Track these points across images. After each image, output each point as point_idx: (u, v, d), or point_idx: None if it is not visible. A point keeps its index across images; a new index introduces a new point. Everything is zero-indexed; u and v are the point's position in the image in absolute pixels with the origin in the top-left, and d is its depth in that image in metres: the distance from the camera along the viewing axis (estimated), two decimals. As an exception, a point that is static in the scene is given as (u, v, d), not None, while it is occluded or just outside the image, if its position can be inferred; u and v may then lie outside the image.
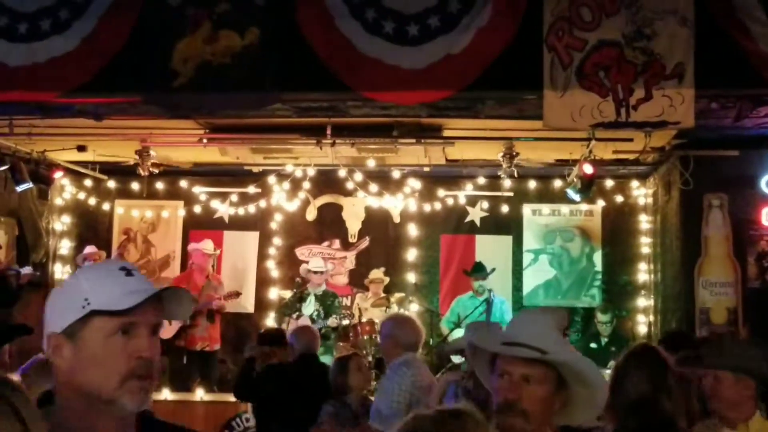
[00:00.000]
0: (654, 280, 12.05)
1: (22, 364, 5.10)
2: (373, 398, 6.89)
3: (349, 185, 11.76)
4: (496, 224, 12.69)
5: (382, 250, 12.90)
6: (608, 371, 7.04)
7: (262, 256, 12.91)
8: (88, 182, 12.78)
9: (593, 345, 10.82)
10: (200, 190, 12.60)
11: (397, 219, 12.79)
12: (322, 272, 11.52)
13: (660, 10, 7.17)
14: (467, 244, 12.72)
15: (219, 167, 12.33)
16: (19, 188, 10.60)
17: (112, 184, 12.83)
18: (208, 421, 9.42)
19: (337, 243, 12.97)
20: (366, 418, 6.50)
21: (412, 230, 12.67)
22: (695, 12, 7.15)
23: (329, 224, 13.01)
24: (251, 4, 7.45)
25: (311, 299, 11.27)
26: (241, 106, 8.32)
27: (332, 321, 11.06)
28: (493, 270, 11.39)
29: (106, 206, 12.98)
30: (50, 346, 2.15)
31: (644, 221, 12.39)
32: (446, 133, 10.13)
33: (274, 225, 12.78)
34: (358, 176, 11.47)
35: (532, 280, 12.65)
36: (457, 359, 8.77)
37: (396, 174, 11.86)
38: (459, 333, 10.35)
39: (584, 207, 12.39)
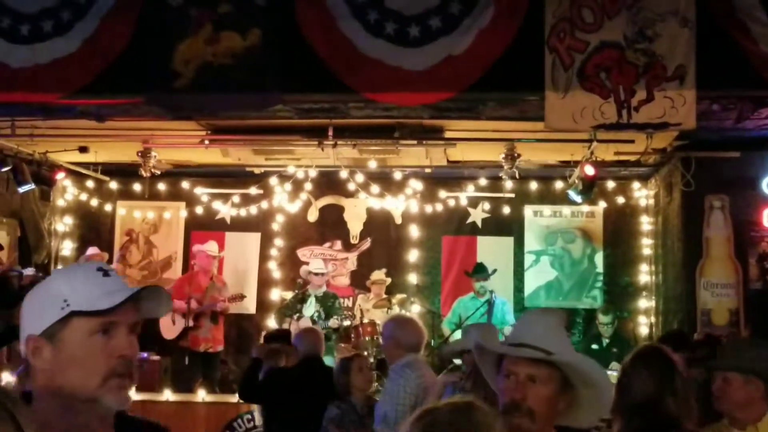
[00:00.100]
0: (655, 282, 12.06)
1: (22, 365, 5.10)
2: (377, 398, 6.88)
3: (351, 186, 11.77)
4: (497, 225, 12.70)
5: (384, 251, 12.91)
6: (610, 372, 7.06)
7: (263, 257, 12.92)
8: (90, 183, 12.80)
9: (594, 346, 10.82)
10: (202, 192, 12.61)
11: (398, 220, 12.80)
12: (322, 274, 11.53)
13: (661, 11, 7.17)
14: (469, 245, 12.73)
15: (221, 168, 12.35)
16: (21, 189, 10.62)
17: (114, 185, 12.86)
18: (210, 421, 9.43)
19: (338, 244, 12.98)
20: (371, 419, 6.49)
21: (414, 231, 12.68)
22: (696, 13, 7.14)
23: (331, 225, 13.02)
24: (253, 5, 7.45)
25: (312, 300, 11.27)
26: (242, 107, 8.33)
27: (333, 322, 11.07)
28: (495, 271, 11.40)
29: (108, 207, 13.00)
30: (29, 349, 2.16)
31: (645, 222, 12.40)
32: (448, 134, 10.15)
33: (275, 226, 12.79)
34: (360, 177, 11.48)
35: (533, 281, 12.66)
36: (457, 361, 8.78)
37: (397, 175, 11.87)
38: (460, 334, 10.35)
39: (585, 208, 12.39)
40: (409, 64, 7.28)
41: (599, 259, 12.60)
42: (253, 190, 12.24)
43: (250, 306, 12.60)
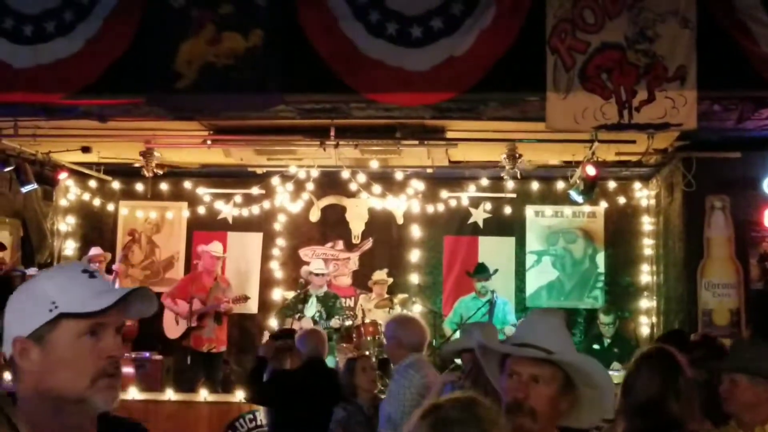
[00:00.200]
0: (656, 282, 12.07)
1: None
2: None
3: (353, 186, 11.78)
4: (498, 225, 12.71)
5: (386, 251, 12.92)
6: (612, 372, 7.07)
7: (265, 257, 12.94)
8: (92, 183, 12.81)
9: (596, 346, 10.83)
10: (204, 192, 12.63)
11: (400, 220, 12.82)
12: (323, 274, 11.54)
13: (662, 12, 7.17)
14: (470, 245, 12.74)
15: (223, 168, 12.37)
16: (24, 189, 10.64)
17: (116, 185, 12.89)
18: (212, 421, 9.43)
19: (340, 244, 13.00)
20: (378, 420, 6.48)
21: (416, 231, 12.70)
22: (697, 14, 7.15)
23: (333, 225, 13.04)
24: (255, 6, 7.46)
25: (313, 301, 11.28)
26: (244, 108, 8.33)
27: (335, 322, 11.08)
28: (496, 271, 11.41)
29: (110, 207, 13.03)
30: (16, 350, 2.16)
31: (647, 223, 12.42)
32: (449, 134, 10.15)
33: (277, 226, 12.82)
34: (362, 177, 11.49)
35: (534, 281, 12.67)
36: (458, 361, 8.79)
37: (399, 175, 11.88)
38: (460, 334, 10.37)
39: (587, 208, 12.40)
40: (411, 64, 7.29)
41: (600, 259, 12.61)
42: (255, 190, 12.26)
43: (252, 306, 12.59)
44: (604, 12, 7.24)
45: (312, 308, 11.21)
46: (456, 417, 2.40)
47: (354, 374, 6.84)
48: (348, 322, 11.20)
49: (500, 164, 10.43)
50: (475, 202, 12.62)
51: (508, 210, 12.50)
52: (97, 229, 13.25)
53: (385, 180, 11.89)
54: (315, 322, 10.80)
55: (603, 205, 12.46)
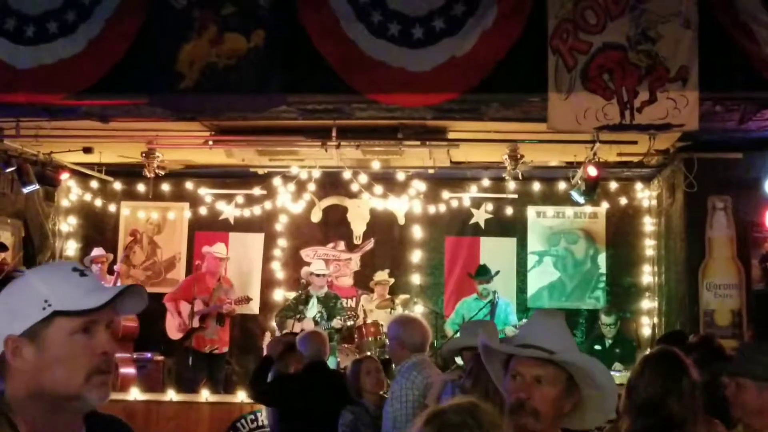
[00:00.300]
0: (658, 282, 12.06)
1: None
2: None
3: (354, 187, 11.78)
4: (500, 226, 12.71)
5: (387, 251, 12.92)
6: (614, 373, 7.07)
7: (267, 258, 12.94)
8: (94, 184, 12.81)
9: (597, 347, 10.84)
10: (206, 192, 12.64)
11: (401, 221, 12.82)
12: (323, 275, 11.54)
13: (664, 13, 7.17)
14: (472, 245, 12.74)
15: (224, 169, 12.37)
16: (26, 190, 10.63)
17: (118, 185, 12.88)
18: (213, 422, 9.43)
19: (342, 245, 13.00)
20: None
21: (417, 232, 12.70)
22: (699, 14, 7.15)
23: (334, 226, 13.04)
24: (257, 7, 7.47)
25: (314, 301, 11.28)
26: (246, 108, 8.33)
27: (336, 322, 11.09)
28: (497, 273, 11.41)
29: (112, 208, 13.03)
30: (8, 349, 2.17)
31: (648, 223, 12.42)
32: (451, 135, 10.16)
33: (279, 226, 12.82)
34: (363, 178, 11.49)
35: (536, 282, 12.67)
36: (459, 361, 8.79)
37: (401, 176, 11.89)
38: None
39: (588, 209, 12.39)
40: (413, 65, 7.29)
41: (602, 259, 12.61)
42: (257, 191, 12.27)
43: (253, 307, 12.61)
44: (606, 12, 7.24)
45: (313, 309, 11.21)
46: (458, 422, 2.40)
47: (358, 376, 6.83)
48: (350, 322, 11.21)
49: (502, 165, 10.43)
50: (477, 203, 12.62)
51: (509, 211, 12.50)
52: (98, 229, 13.26)
53: (387, 180, 11.89)
54: (316, 323, 10.81)
55: (604, 205, 12.45)
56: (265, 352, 8.15)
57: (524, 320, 10.90)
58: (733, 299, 10.14)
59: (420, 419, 2.49)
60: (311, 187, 12.11)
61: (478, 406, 2.47)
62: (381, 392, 6.88)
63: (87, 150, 10.84)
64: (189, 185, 12.68)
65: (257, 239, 13.00)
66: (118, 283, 11.34)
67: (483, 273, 11.34)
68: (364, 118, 9.02)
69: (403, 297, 11.80)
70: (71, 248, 13.04)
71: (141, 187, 12.40)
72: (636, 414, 3.88)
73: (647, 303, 12.29)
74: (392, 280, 12.18)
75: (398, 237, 12.90)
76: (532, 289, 12.64)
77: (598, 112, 7.23)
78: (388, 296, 11.76)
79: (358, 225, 12.98)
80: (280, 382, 7.65)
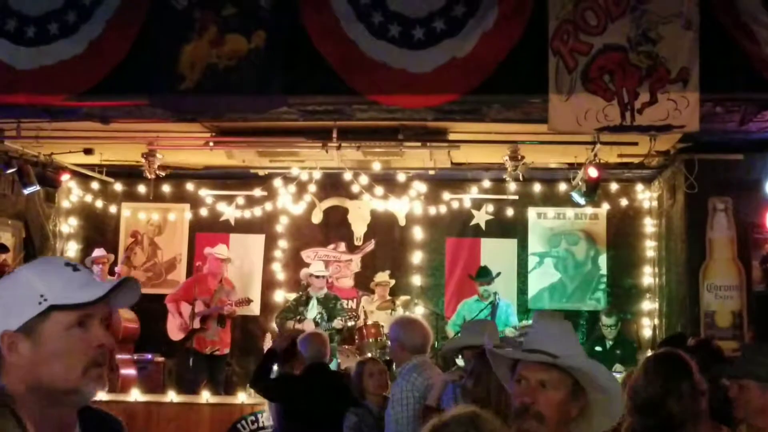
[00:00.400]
0: (659, 284, 12.06)
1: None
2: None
3: (355, 188, 11.78)
4: (501, 227, 12.70)
5: (388, 252, 12.91)
6: (615, 374, 7.06)
7: (267, 259, 12.93)
8: (94, 185, 12.82)
9: (598, 348, 10.83)
10: (206, 193, 12.64)
11: (402, 222, 12.81)
12: (322, 276, 11.53)
13: (664, 14, 7.17)
14: (472, 247, 12.73)
15: (225, 170, 12.37)
16: (27, 191, 10.64)
17: (118, 186, 12.88)
18: (214, 423, 9.44)
19: (342, 246, 12.99)
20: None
21: (418, 233, 12.69)
22: (699, 15, 7.15)
23: (335, 227, 13.03)
24: (258, 8, 7.47)
25: (314, 303, 11.28)
26: (247, 110, 8.34)
27: (337, 323, 11.08)
28: (498, 274, 11.41)
29: (112, 209, 13.03)
30: (4, 344, 2.18)
31: (649, 224, 12.41)
32: (451, 136, 10.16)
33: (279, 228, 12.81)
34: (364, 179, 11.49)
35: (537, 283, 12.66)
36: (459, 361, 8.79)
37: (401, 177, 11.89)
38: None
39: (589, 210, 12.39)
40: (414, 66, 7.29)
41: (603, 261, 12.60)
42: (258, 192, 12.27)
43: (254, 308, 12.60)
44: (607, 14, 7.24)
45: (313, 310, 11.20)
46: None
47: (362, 378, 6.83)
48: (350, 323, 11.21)
49: (502, 166, 10.43)
50: (478, 204, 12.61)
51: (510, 212, 12.50)
52: (99, 230, 13.25)
53: (388, 182, 11.89)
54: (316, 324, 10.80)
55: (605, 206, 12.44)
56: (267, 349, 8.12)
57: (524, 321, 10.91)
58: (734, 300, 10.14)
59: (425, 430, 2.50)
60: (312, 188, 12.11)
61: (479, 415, 2.50)
62: (384, 394, 6.87)
63: (88, 151, 10.85)
64: (189, 186, 12.68)
65: (258, 240, 12.99)
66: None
67: (484, 274, 11.34)
68: (365, 119, 9.03)
69: (403, 298, 11.80)
70: (72, 249, 13.04)
71: (142, 189, 12.40)
72: (636, 412, 3.90)
73: (648, 304, 12.28)
74: (393, 282, 12.17)
75: (399, 238, 12.89)
76: (532, 290, 12.63)
77: (598, 114, 7.23)
78: (388, 297, 11.75)
79: (359, 226, 12.97)
80: (284, 380, 7.65)
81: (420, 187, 12.17)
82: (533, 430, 2.92)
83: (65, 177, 11.53)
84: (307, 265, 12.28)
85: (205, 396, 9.89)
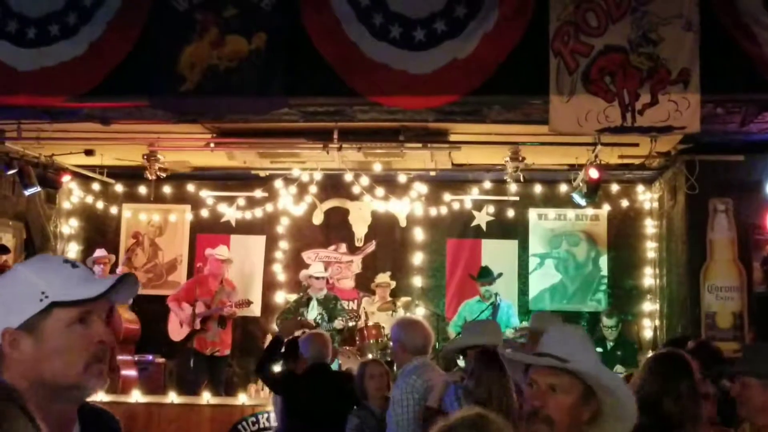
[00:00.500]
0: (660, 285, 12.05)
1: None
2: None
3: (356, 189, 11.78)
4: (502, 228, 12.70)
5: (389, 254, 12.91)
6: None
7: (268, 260, 12.93)
8: (95, 186, 12.83)
9: (599, 349, 10.80)
10: (207, 194, 12.64)
11: (403, 223, 12.81)
12: (322, 277, 11.53)
13: (665, 15, 7.17)
14: (473, 248, 12.73)
15: (226, 171, 12.37)
16: (27, 192, 10.64)
17: (119, 187, 12.87)
18: (214, 424, 9.44)
19: (343, 247, 12.99)
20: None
21: (419, 234, 12.69)
22: (700, 17, 7.14)
23: (336, 228, 13.03)
24: (258, 9, 7.46)
25: (314, 303, 11.28)
26: (248, 111, 8.34)
27: (338, 323, 11.09)
28: (500, 275, 11.41)
29: (113, 210, 13.03)
30: (6, 341, 2.19)
31: (650, 226, 12.41)
32: (452, 137, 10.16)
33: (280, 229, 12.81)
34: (365, 180, 11.49)
35: (538, 284, 12.66)
36: (460, 362, 8.78)
37: (402, 178, 11.89)
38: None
39: (590, 211, 12.39)
40: (414, 67, 7.29)
41: (603, 262, 12.60)
42: (258, 193, 12.27)
43: (255, 309, 12.60)
44: (607, 15, 7.24)
45: (313, 311, 11.21)
46: None
47: (363, 380, 6.84)
48: (351, 323, 11.21)
49: (503, 167, 10.43)
50: (478, 205, 12.62)
51: (511, 213, 12.50)
52: (100, 231, 13.26)
53: (388, 183, 11.89)
54: (317, 325, 10.80)
55: (606, 208, 12.45)
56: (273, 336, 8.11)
57: (525, 323, 10.90)
58: (735, 301, 10.14)
59: None
60: (313, 189, 12.11)
61: (485, 417, 2.51)
62: (386, 395, 6.88)
63: (88, 152, 10.84)
64: (190, 187, 12.68)
65: (259, 241, 12.99)
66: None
67: (485, 274, 11.34)
68: (366, 121, 9.03)
69: (404, 299, 11.80)
70: (73, 250, 13.04)
71: (142, 190, 12.39)
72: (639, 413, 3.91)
73: (649, 305, 12.27)
74: (394, 283, 12.17)
75: (400, 239, 12.89)
76: (533, 291, 12.63)
77: (599, 115, 7.23)
78: (389, 298, 11.75)
79: (360, 227, 12.97)
80: (289, 376, 7.62)
81: (421, 188, 12.16)
82: None
83: (66, 178, 11.52)
84: (308, 266, 12.28)
85: (206, 397, 9.89)
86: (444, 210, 12.50)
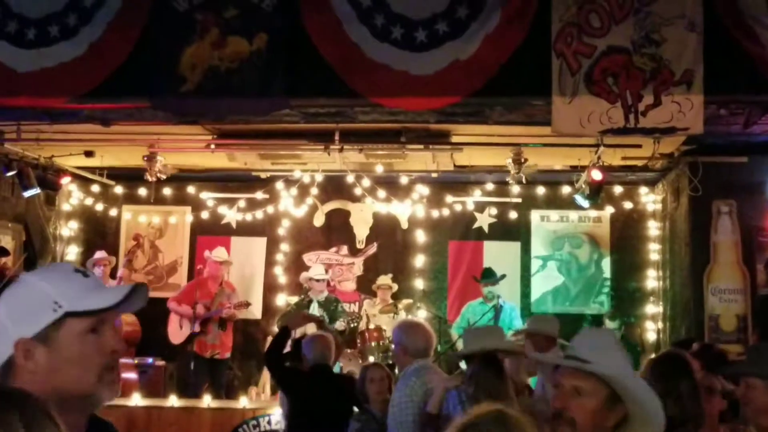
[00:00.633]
0: (663, 287, 12.02)
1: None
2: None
3: (357, 191, 11.76)
4: (504, 230, 12.67)
5: (390, 256, 12.88)
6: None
7: (269, 262, 12.90)
8: (95, 188, 12.80)
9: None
10: (208, 196, 12.61)
11: (405, 225, 12.78)
12: (322, 280, 11.50)
13: (668, 16, 7.14)
14: (475, 250, 12.70)
15: (227, 173, 12.34)
16: (27, 194, 10.62)
17: (119, 189, 12.84)
18: (215, 427, 9.41)
19: (344, 249, 12.96)
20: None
21: (420, 236, 12.66)
22: (704, 17, 7.11)
23: (337, 230, 13.00)
24: (259, 10, 7.44)
25: (315, 306, 11.25)
26: (248, 112, 8.32)
27: (340, 324, 11.05)
28: (503, 276, 11.38)
29: (113, 212, 13.01)
30: (19, 351, 2.18)
31: (653, 227, 12.37)
32: (454, 138, 10.14)
33: (281, 231, 12.77)
34: (366, 182, 11.47)
35: (540, 286, 12.62)
36: (462, 365, 8.74)
37: (404, 180, 11.87)
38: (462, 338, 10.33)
39: (593, 213, 12.37)
40: (416, 68, 7.26)
41: (606, 264, 12.57)
42: (259, 195, 12.24)
43: (255, 311, 12.58)
44: (610, 16, 7.21)
45: (314, 313, 11.16)
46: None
47: (364, 383, 6.82)
48: (353, 324, 11.20)
49: (505, 169, 10.40)
50: (480, 207, 12.59)
51: (513, 215, 12.47)
52: (100, 233, 13.23)
53: (390, 184, 11.87)
54: (323, 319, 10.74)
55: (609, 209, 12.42)
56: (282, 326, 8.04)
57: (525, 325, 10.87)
58: (738, 304, 10.11)
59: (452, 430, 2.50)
60: (314, 191, 12.08)
61: (506, 414, 2.50)
62: (388, 398, 6.84)
63: (88, 154, 10.81)
64: (191, 189, 12.65)
65: (259, 243, 12.96)
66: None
67: (489, 276, 11.31)
68: (367, 122, 9.00)
69: (406, 302, 11.77)
70: (72, 252, 13.02)
71: (142, 191, 12.34)
72: None
73: (652, 308, 12.23)
74: (395, 285, 12.12)
75: (401, 241, 12.86)
76: (536, 293, 12.60)
77: (602, 116, 7.20)
78: (391, 301, 11.71)
79: (361, 229, 12.94)
80: (295, 372, 7.56)
81: (422, 189, 12.14)
82: None
83: (66, 180, 11.49)
84: (309, 268, 12.25)
85: (207, 400, 9.86)
86: (446, 212, 12.47)
